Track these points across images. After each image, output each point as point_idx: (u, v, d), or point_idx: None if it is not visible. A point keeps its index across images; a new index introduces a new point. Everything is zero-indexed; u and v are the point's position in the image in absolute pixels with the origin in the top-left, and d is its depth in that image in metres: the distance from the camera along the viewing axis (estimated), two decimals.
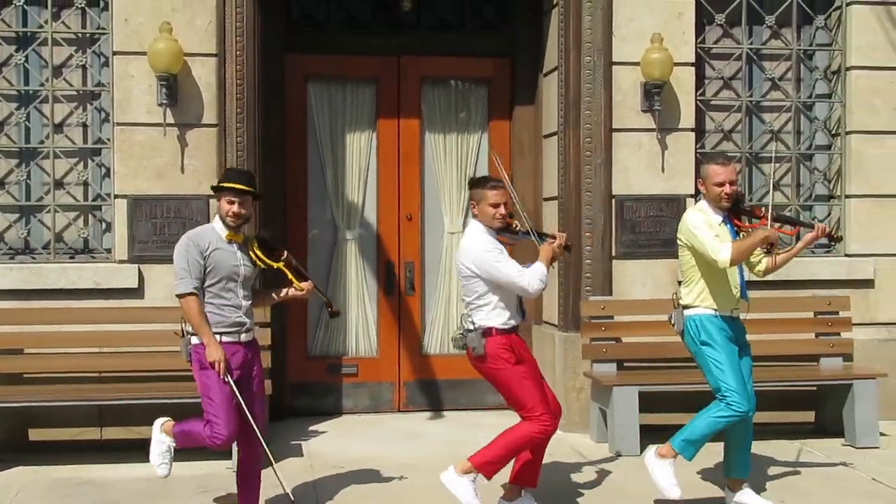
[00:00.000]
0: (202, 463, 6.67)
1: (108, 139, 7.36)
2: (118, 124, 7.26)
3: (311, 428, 7.74)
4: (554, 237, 5.68)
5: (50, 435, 7.21)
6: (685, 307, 5.72)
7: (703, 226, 5.59)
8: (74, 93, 7.45)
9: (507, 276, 5.36)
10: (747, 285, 5.79)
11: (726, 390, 5.51)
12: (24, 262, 7.31)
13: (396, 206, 8.34)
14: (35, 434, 7.22)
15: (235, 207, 5.31)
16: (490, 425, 7.53)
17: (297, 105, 8.24)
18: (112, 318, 7.09)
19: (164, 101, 7.14)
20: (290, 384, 8.15)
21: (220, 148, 7.28)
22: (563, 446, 7.23)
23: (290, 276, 5.51)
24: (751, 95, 8.13)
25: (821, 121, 8.28)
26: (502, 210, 5.46)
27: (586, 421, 7.57)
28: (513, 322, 5.49)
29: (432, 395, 8.37)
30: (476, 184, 5.59)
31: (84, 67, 7.46)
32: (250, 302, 5.43)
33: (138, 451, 6.75)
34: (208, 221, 7.21)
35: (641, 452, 6.76)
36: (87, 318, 7.07)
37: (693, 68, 7.83)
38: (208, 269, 5.26)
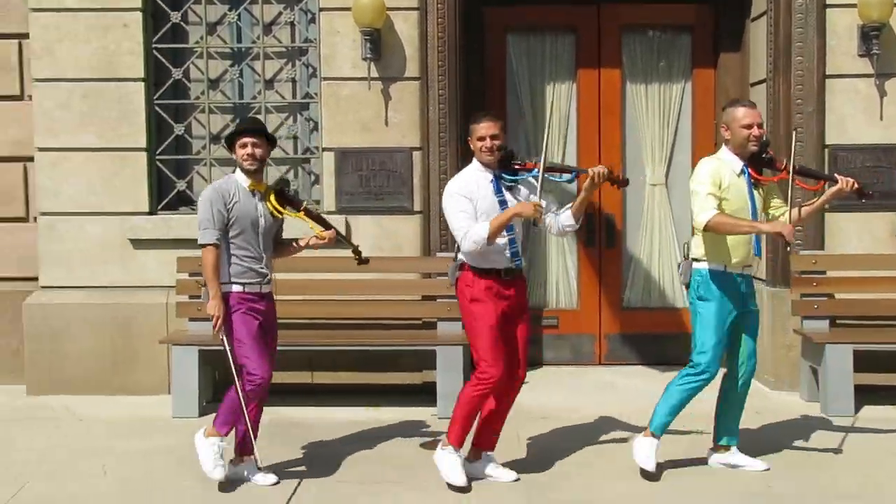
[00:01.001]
0: (407, 409, 6.92)
1: (316, 94, 7.62)
2: (325, 79, 7.49)
3: None
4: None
5: None
6: (695, 259, 5.50)
7: (706, 180, 5.35)
8: (283, 49, 7.73)
9: (452, 227, 5.30)
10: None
11: (699, 351, 5.39)
12: None
13: (597, 159, 8.27)
14: None
15: (249, 148, 5.40)
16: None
17: (497, 57, 8.28)
18: (320, 268, 7.33)
19: (369, 56, 7.32)
20: None
21: (422, 101, 7.42)
22: (772, 404, 7.10)
23: (311, 224, 5.58)
24: None
25: None
26: (487, 143, 5.28)
27: (796, 379, 7.36)
28: (495, 265, 5.31)
29: (633, 349, 8.33)
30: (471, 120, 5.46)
31: (292, 24, 7.73)
32: (270, 252, 5.53)
33: (345, 395, 7.06)
34: (411, 174, 7.44)
35: (856, 414, 6.58)
36: (296, 266, 7.24)
37: None
38: (231, 221, 5.37)
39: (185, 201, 7.80)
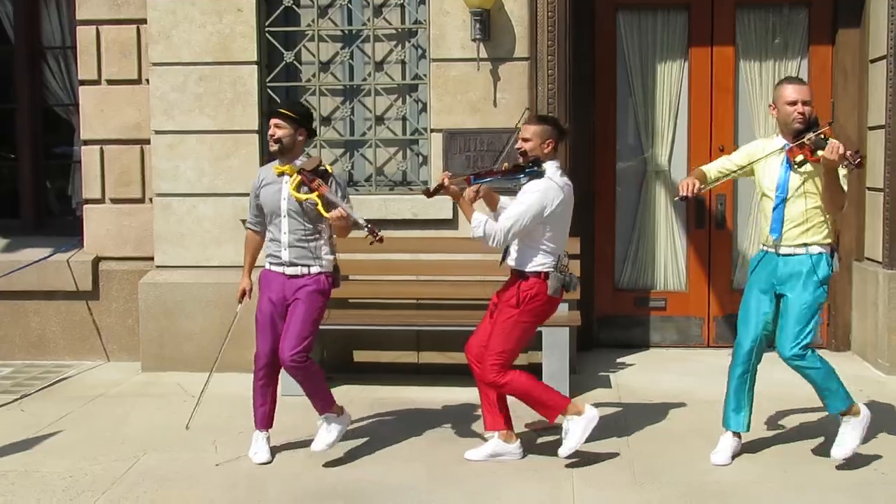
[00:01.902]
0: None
1: (425, 75, 7.72)
2: (434, 60, 7.59)
3: (619, 360, 7.89)
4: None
5: (372, 357, 7.76)
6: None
7: (744, 148, 5.59)
8: (393, 31, 7.85)
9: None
10: None
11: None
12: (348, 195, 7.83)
13: (708, 138, 8.21)
14: (359, 356, 7.80)
15: (271, 129, 5.45)
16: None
17: (607, 36, 8.26)
18: (428, 248, 7.48)
19: (478, 36, 7.38)
20: (598, 316, 8.33)
21: (531, 81, 7.46)
22: (886, 389, 6.98)
23: (320, 209, 5.34)
24: None
25: None
26: (519, 144, 5.52)
27: None
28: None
29: None
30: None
31: (402, 6, 7.84)
32: (297, 237, 5.45)
33: (451, 375, 7.16)
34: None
35: None
36: (405, 247, 7.43)
37: None
38: (259, 205, 5.56)
39: None
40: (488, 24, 7.40)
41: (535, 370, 7.07)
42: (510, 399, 5.65)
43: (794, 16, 8.18)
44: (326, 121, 7.94)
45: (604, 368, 7.65)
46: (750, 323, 5.52)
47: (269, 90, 7.84)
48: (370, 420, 6.46)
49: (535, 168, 5.44)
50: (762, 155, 5.46)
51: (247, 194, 7.74)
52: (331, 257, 5.60)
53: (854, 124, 7.92)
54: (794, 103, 5.34)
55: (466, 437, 6.05)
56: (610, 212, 8.30)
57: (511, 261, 5.61)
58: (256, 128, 7.76)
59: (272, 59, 7.89)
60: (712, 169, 5.67)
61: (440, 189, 5.47)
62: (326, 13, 7.89)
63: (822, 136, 5.22)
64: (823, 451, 5.58)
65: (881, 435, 5.91)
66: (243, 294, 5.83)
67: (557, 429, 5.64)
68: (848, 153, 5.04)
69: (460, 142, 7.56)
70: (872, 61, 7.73)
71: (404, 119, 7.89)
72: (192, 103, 7.79)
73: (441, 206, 7.52)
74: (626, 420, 6.27)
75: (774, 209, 5.40)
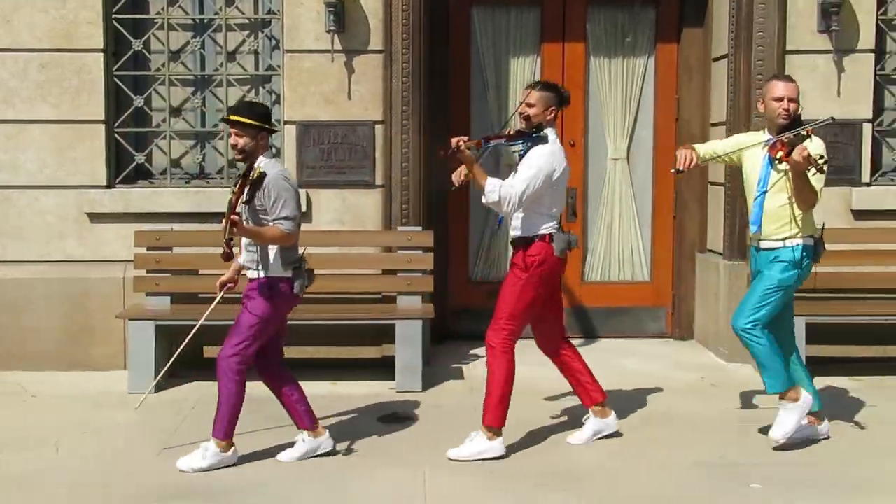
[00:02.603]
0: (368, 384, 7.11)
1: (278, 66, 7.70)
2: (288, 51, 7.58)
3: (472, 352, 8.00)
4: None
5: None
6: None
7: (735, 137, 6.00)
8: (246, 21, 7.80)
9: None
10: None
11: None
12: (199, 187, 7.75)
13: (560, 133, 8.36)
14: (210, 351, 7.61)
15: (232, 138, 5.32)
16: (646, 354, 7.69)
17: (462, 30, 8.39)
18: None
19: (332, 28, 7.40)
20: (452, 309, 8.45)
21: (385, 74, 7.52)
22: (727, 376, 7.36)
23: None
24: None
25: None
26: (523, 109, 5.67)
27: None
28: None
29: (593, 322, 8.53)
30: None
31: None
32: (246, 241, 5.38)
33: (310, 370, 7.15)
34: (373, 147, 7.56)
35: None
36: None
37: None
38: None
39: (143, 174, 7.87)
40: (343, 16, 7.43)
41: (388, 363, 7.18)
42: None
43: (642, 14, 8.47)
44: (176, 112, 7.83)
45: (457, 360, 7.78)
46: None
47: (115, 79, 7.69)
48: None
49: (538, 134, 5.57)
50: (749, 144, 5.70)
51: (92, 186, 7.64)
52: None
53: (698, 120, 8.26)
54: (780, 99, 5.59)
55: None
56: (464, 205, 8.43)
57: (515, 230, 5.67)
58: (102, 118, 7.60)
59: (119, 47, 7.74)
60: (703, 148, 5.90)
61: (455, 152, 5.43)
62: (177, 1, 7.78)
63: (802, 135, 5.45)
64: (670, 436, 5.85)
65: (720, 419, 6.21)
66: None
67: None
68: (812, 157, 5.23)
69: (314, 134, 7.58)
70: (715, 60, 8.08)
71: None
72: (33, 91, 7.57)
73: None
74: (476, 411, 6.38)
75: (755, 202, 5.66)
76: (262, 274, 5.40)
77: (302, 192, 7.47)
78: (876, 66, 7.68)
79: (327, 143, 7.58)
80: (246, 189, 5.22)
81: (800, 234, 5.62)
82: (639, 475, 5.34)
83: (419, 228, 7.50)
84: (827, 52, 7.57)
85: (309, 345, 7.44)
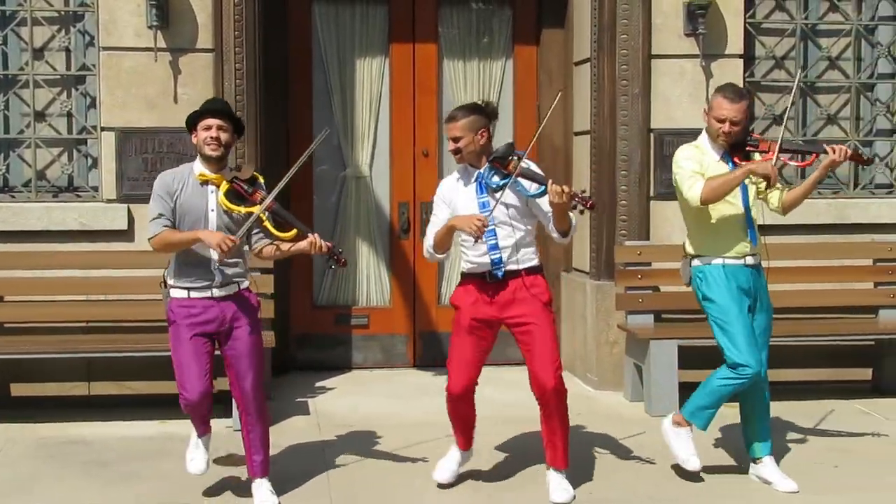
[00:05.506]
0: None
1: (94, 65, 7.35)
2: (104, 49, 7.23)
3: (319, 384, 7.79)
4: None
5: (34, 390, 7.28)
6: (692, 256, 5.61)
7: (686, 162, 5.45)
8: (55, 14, 7.40)
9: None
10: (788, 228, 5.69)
11: (729, 352, 5.38)
12: (3, 202, 7.32)
13: (411, 141, 8.27)
14: (17, 389, 7.29)
15: (214, 131, 5.11)
16: (509, 381, 7.55)
17: (302, 28, 8.17)
18: (99, 263, 7.10)
19: (155, 23, 7.09)
20: (295, 336, 8.20)
21: (216, 75, 7.25)
22: (596, 405, 7.27)
23: (268, 226, 5.12)
24: (806, 17, 7.96)
25: (884, 46, 8.12)
26: (451, 145, 5.38)
27: (620, 378, 7.54)
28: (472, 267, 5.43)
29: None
30: None
31: None
32: (238, 252, 5.18)
33: (130, 407, 6.83)
34: None
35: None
36: (71, 262, 7.08)
37: None
38: (178, 215, 5.13)
39: None
40: (167, 10, 7.11)
41: (225, 398, 6.82)
42: None
43: (499, 13, 8.40)
44: None
45: (302, 394, 7.53)
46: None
47: None
48: (33, 463, 6.01)
49: (500, 155, 5.26)
50: (708, 162, 5.46)
51: None
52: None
53: (560, 129, 8.20)
54: (721, 121, 5.41)
55: (147, 476, 5.75)
56: (307, 220, 8.14)
57: (531, 260, 5.42)
58: None
59: None
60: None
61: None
62: None
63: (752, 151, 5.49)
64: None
65: (589, 453, 6.11)
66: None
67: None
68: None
69: (136, 142, 7.23)
70: (577, 63, 8.04)
71: (70, 115, 7.46)
72: None
73: (114, 216, 7.18)
74: (325, 454, 6.14)
75: (747, 214, 5.47)
76: (248, 283, 5.32)
77: (123, 206, 7.16)
78: (745, 71, 7.76)
79: (151, 153, 7.24)
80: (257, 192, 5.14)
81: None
82: None
83: None
84: (694, 56, 7.60)
85: (128, 379, 7.03)
